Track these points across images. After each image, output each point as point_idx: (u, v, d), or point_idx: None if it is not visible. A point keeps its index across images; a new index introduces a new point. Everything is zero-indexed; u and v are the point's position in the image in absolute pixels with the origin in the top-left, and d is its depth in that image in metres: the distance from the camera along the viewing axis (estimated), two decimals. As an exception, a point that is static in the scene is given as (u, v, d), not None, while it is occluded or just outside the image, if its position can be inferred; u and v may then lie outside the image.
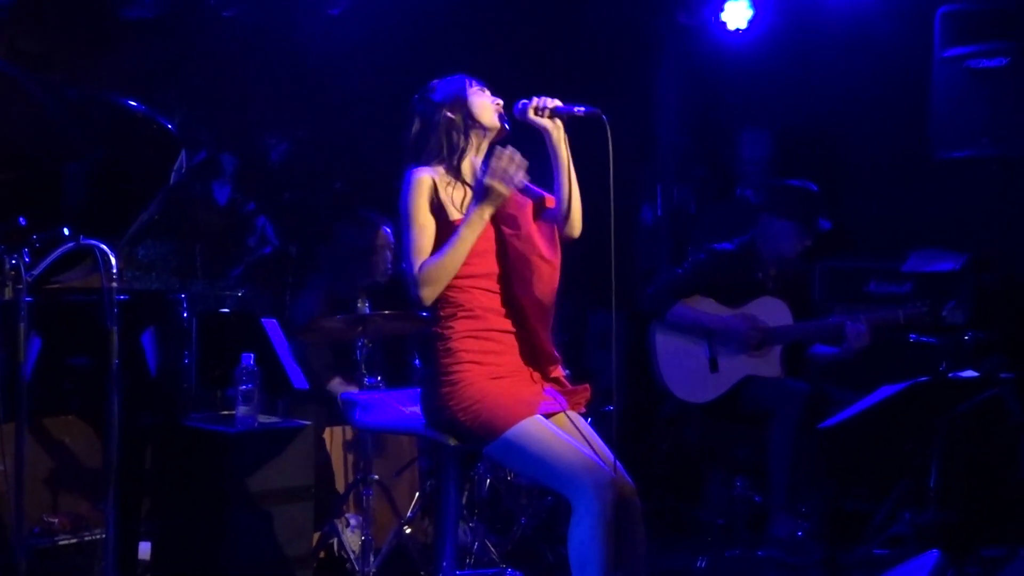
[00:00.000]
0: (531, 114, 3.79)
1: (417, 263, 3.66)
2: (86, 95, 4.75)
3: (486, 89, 3.87)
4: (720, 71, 7.46)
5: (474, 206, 3.66)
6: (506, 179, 3.62)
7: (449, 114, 3.79)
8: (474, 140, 3.83)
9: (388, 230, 5.85)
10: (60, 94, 4.56)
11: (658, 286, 5.64)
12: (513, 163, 3.63)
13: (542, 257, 3.75)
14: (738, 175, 7.04)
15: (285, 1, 6.33)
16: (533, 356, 3.80)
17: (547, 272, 3.76)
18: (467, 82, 3.85)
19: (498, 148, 3.68)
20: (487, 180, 3.62)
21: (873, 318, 5.28)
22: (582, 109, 3.80)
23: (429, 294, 3.68)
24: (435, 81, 3.90)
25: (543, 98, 3.79)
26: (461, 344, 3.72)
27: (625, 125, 7.61)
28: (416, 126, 3.86)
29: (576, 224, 3.88)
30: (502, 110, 3.83)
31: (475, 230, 3.67)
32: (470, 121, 3.80)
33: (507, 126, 3.85)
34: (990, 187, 5.73)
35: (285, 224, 6.87)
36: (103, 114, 4.63)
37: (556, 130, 3.81)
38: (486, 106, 3.82)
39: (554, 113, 3.79)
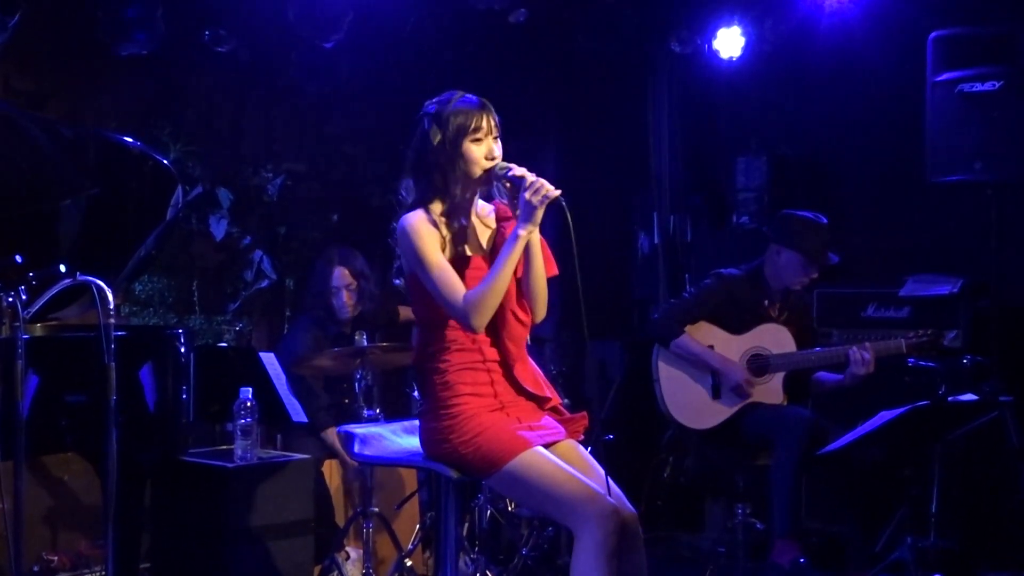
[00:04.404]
0: (500, 177, 3.68)
1: (458, 297, 3.62)
2: (81, 132, 4.76)
3: (489, 128, 3.70)
4: (714, 99, 7.49)
5: (520, 228, 3.60)
6: (546, 196, 3.56)
7: (440, 158, 3.69)
8: (462, 189, 3.73)
9: (344, 271, 5.83)
10: (55, 132, 4.56)
11: (664, 312, 5.63)
12: (544, 186, 3.56)
13: (514, 313, 3.75)
14: (734, 203, 7.05)
15: (279, 36, 6.34)
16: (523, 389, 3.80)
17: (516, 328, 3.76)
18: (471, 122, 3.67)
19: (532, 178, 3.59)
20: (528, 195, 3.55)
21: (878, 346, 5.28)
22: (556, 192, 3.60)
23: (481, 321, 3.63)
24: (445, 101, 3.73)
25: (516, 168, 3.66)
26: (458, 376, 3.71)
27: (620, 154, 7.70)
28: (415, 149, 3.75)
29: (538, 308, 3.80)
30: (492, 165, 3.68)
31: (519, 250, 3.63)
32: (458, 173, 3.68)
33: (495, 183, 3.75)
34: (984, 211, 5.73)
35: (282, 258, 6.87)
36: (98, 151, 4.63)
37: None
38: (476, 161, 3.67)
39: (518, 185, 3.63)
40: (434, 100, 3.76)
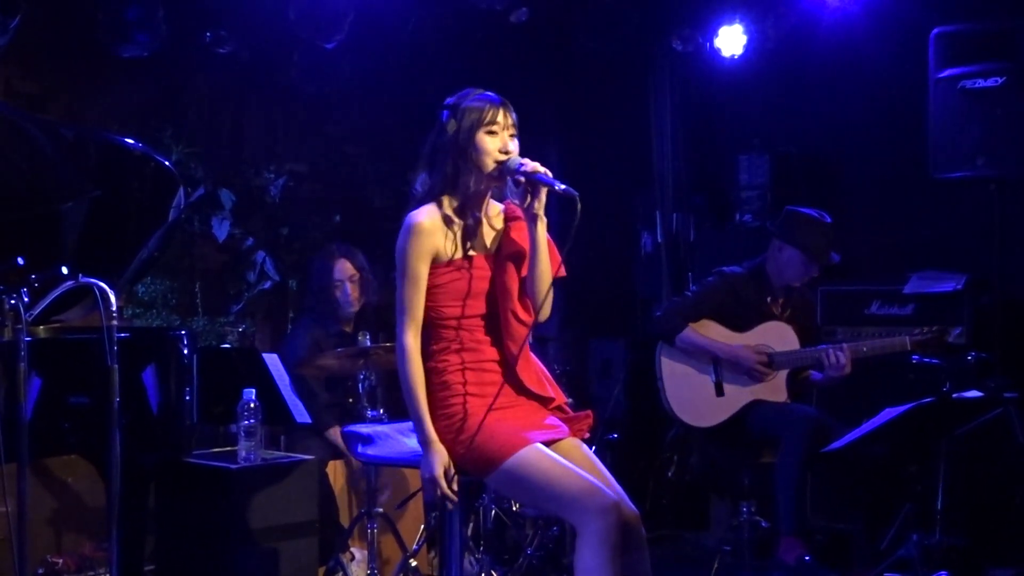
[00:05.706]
0: (513, 171, 3.68)
1: (408, 323, 3.67)
2: (83, 134, 4.75)
3: (505, 124, 3.71)
4: (716, 97, 7.48)
5: (421, 444, 3.68)
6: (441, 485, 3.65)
7: (454, 149, 3.70)
8: (475, 182, 3.72)
9: (347, 263, 5.83)
10: (56, 133, 4.56)
11: (667, 309, 5.62)
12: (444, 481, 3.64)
13: (515, 313, 3.73)
14: (736, 201, 7.05)
15: (280, 36, 6.34)
16: (525, 389, 3.79)
17: (517, 327, 3.74)
18: (487, 114, 3.68)
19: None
20: (426, 477, 3.65)
21: (864, 345, 5.29)
22: (562, 187, 3.62)
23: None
24: (464, 95, 3.76)
25: (530, 163, 3.67)
26: (456, 377, 3.70)
27: (622, 153, 7.69)
28: (431, 142, 3.78)
29: (542, 308, 3.78)
30: (505, 159, 3.68)
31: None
32: (471, 164, 3.68)
33: (508, 180, 3.74)
34: (987, 207, 5.72)
35: (284, 259, 6.86)
36: (100, 153, 4.63)
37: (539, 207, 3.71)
38: (489, 153, 3.67)
39: (532, 180, 3.67)
40: (454, 96, 3.78)
